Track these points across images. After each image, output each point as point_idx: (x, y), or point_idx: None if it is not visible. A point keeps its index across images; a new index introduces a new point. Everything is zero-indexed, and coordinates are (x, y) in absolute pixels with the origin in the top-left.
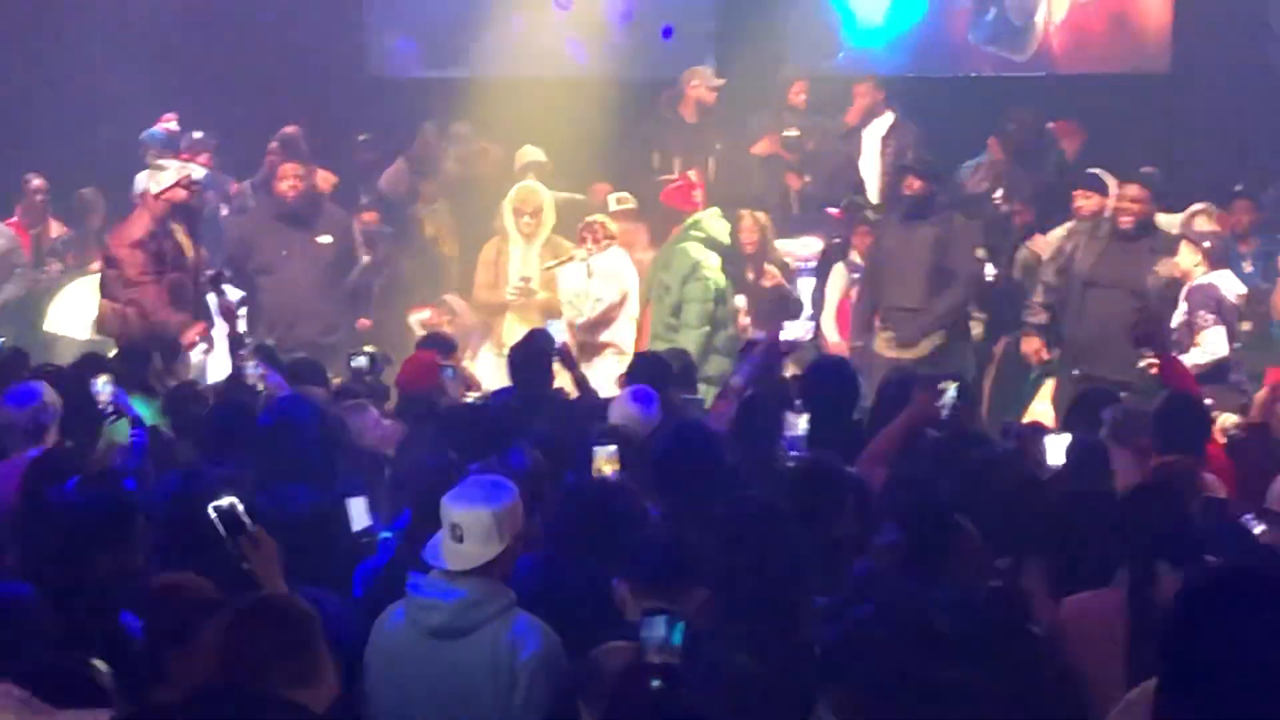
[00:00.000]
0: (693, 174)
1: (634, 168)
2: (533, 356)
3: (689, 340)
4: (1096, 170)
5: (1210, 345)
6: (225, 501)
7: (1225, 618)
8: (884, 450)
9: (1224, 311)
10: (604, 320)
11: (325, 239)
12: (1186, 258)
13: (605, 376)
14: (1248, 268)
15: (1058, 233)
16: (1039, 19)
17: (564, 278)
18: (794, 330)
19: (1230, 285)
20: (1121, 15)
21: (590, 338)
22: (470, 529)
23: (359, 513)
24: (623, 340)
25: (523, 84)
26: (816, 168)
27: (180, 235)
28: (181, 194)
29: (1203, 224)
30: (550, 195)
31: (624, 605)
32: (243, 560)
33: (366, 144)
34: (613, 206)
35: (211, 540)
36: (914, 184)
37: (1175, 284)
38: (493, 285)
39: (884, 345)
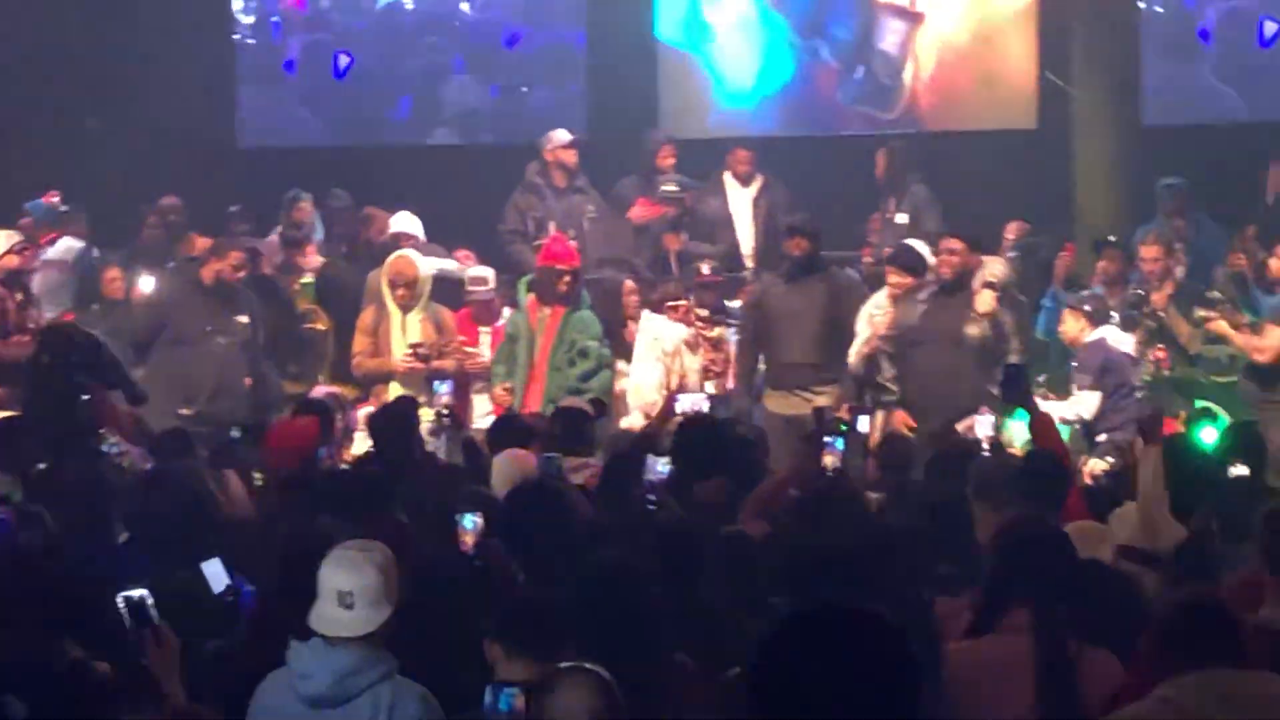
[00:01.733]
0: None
1: (512, 234)
2: (395, 422)
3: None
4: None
5: (1078, 404)
6: (136, 593)
7: (801, 661)
8: (763, 505)
9: (1113, 367)
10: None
11: (244, 318)
12: (1070, 324)
13: None
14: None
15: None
16: (907, 77)
17: (687, 356)
18: (688, 401)
19: (1117, 338)
20: (988, 72)
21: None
22: (361, 595)
23: (215, 574)
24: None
25: (396, 152)
26: (693, 228)
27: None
28: (14, 260)
29: (997, 269)
30: (427, 264)
31: (495, 666)
32: (141, 655)
33: (238, 215)
34: (467, 286)
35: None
36: (801, 244)
37: (995, 330)
38: (373, 353)
39: (777, 403)
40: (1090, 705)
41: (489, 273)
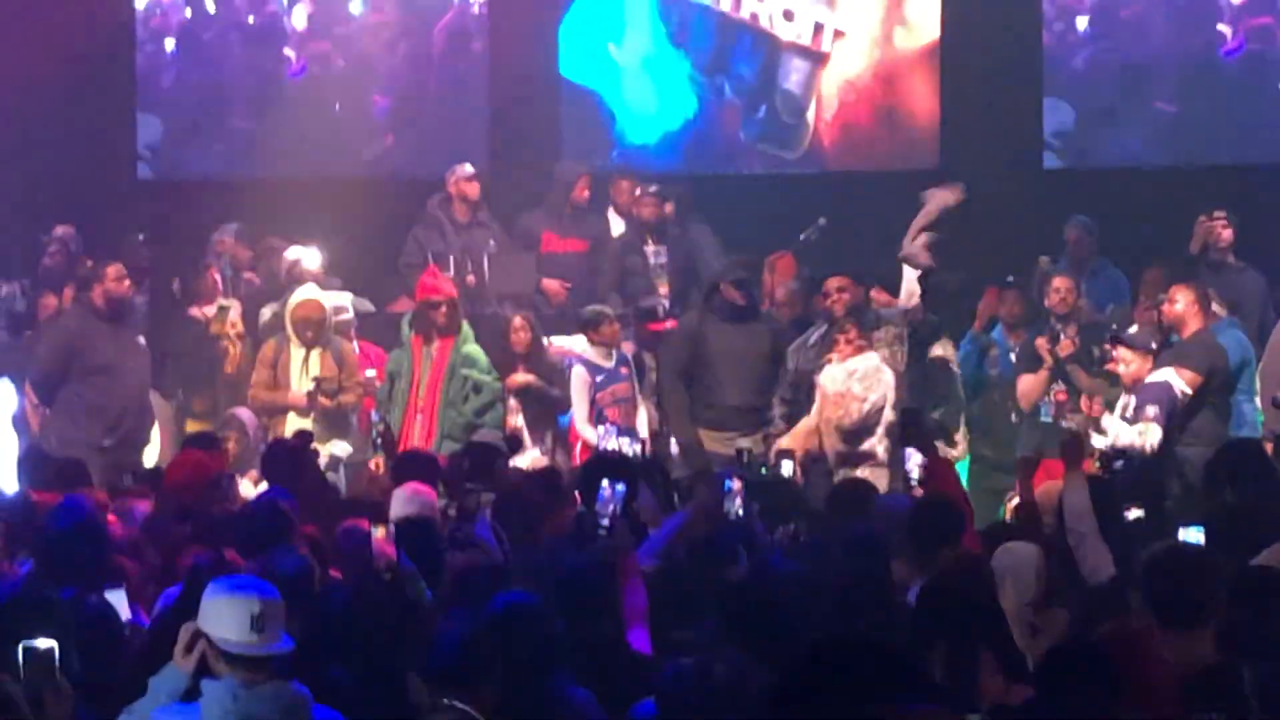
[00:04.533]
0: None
1: (407, 270)
2: (290, 455)
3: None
4: None
5: (1147, 435)
6: (43, 645)
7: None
8: (662, 546)
9: (1171, 410)
10: (866, 426)
11: (141, 339)
12: (1135, 363)
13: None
14: (1015, 359)
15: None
16: (810, 116)
17: (825, 378)
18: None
19: (1178, 383)
20: (890, 112)
21: (849, 447)
22: (271, 617)
23: (121, 603)
24: (881, 452)
25: (295, 184)
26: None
27: None
28: None
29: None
30: (329, 300)
31: (420, 699)
32: (38, 706)
33: (142, 244)
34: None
35: None
36: (731, 293)
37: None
38: (271, 386)
39: (718, 443)
40: None
41: (347, 299)
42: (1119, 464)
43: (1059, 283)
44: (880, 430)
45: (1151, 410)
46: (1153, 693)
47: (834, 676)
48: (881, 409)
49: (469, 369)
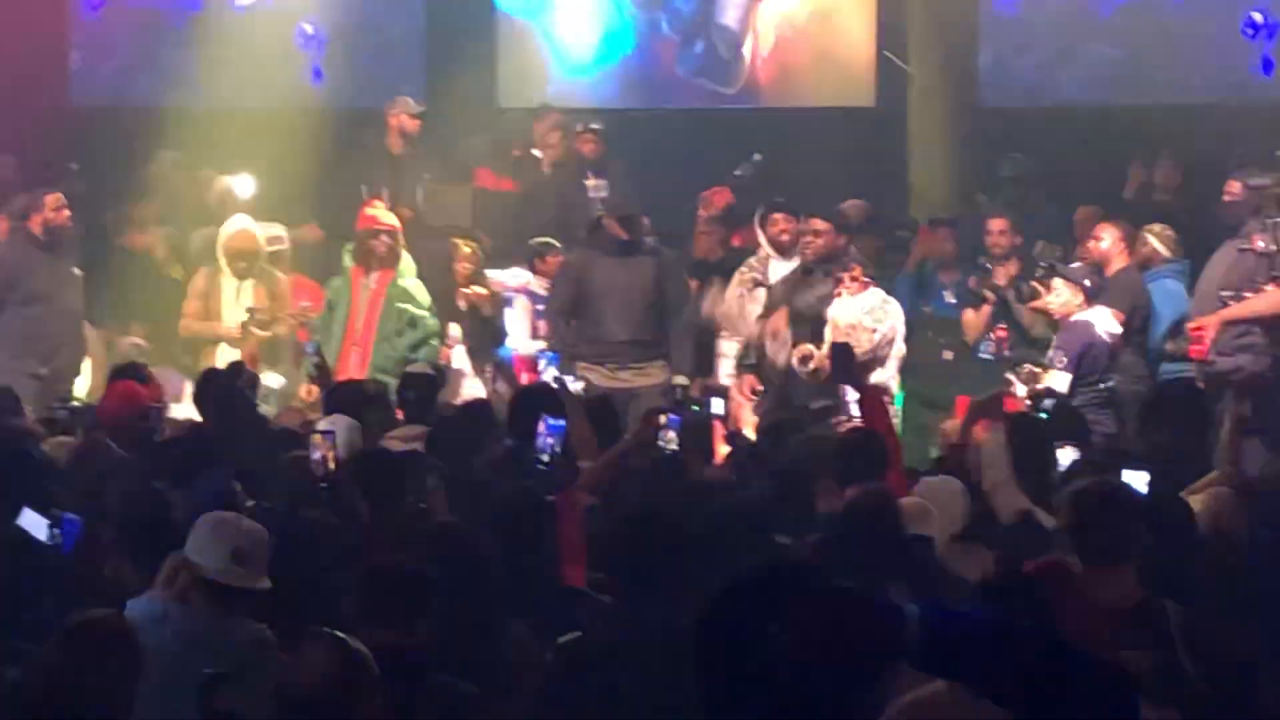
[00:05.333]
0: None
1: (342, 199)
2: (222, 387)
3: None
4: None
5: (1051, 381)
6: None
7: (745, 621)
8: (596, 477)
9: (1092, 353)
10: (877, 358)
11: (76, 270)
12: (1067, 296)
13: None
14: (950, 298)
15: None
16: (746, 52)
17: (837, 311)
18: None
19: (1106, 324)
20: (827, 49)
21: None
22: (254, 554)
23: (34, 523)
24: (893, 385)
25: (229, 114)
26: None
27: None
28: None
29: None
30: (261, 231)
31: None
32: None
33: (78, 173)
34: (275, 248)
35: None
36: (616, 229)
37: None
38: (203, 316)
39: (602, 377)
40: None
41: (282, 230)
42: (1049, 402)
43: (995, 223)
44: (892, 363)
45: (1062, 358)
46: (1081, 628)
47: (749, 602)
48: (892, 340)
49: (406, 303)
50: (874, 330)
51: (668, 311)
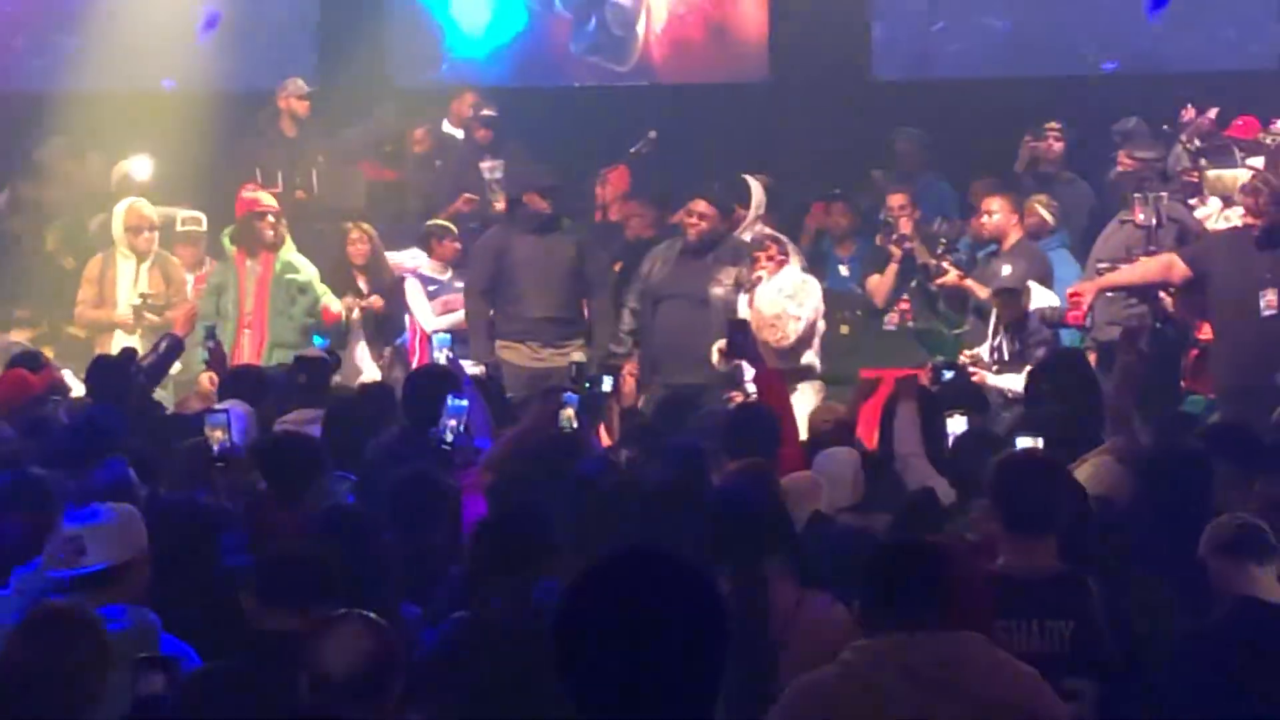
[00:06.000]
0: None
1: (235, 184)
2: (113, 373)
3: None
4: None
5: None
6: None
7: (602, 605)
8: (498, 457)
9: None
10: (807, 339)
11: None
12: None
13: (807, 403)
14: (845, 271)
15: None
16: (639, 29)
17: (761, 299)
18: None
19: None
20: (720, 25)
21: (792, 363)
22: (90, 539)
23: None
24: (815, 362)
25: (121, 97)
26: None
27: None
28: None
29: None
30: (157, 212)
31: (253, 617)
32: None
33: None
34: (179, 227)
35: None
36: (539, 202)
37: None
38: (98, 303)
39: (524, 356)
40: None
41: (201, 215)
42: (948, 374)
43: (894, 198)
44: (816, 342)
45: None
46: (977, 599)
47: (609, 588)
48: (814, 321)
49: (291, 274)
50: (798, 318)
51: (588, 289)
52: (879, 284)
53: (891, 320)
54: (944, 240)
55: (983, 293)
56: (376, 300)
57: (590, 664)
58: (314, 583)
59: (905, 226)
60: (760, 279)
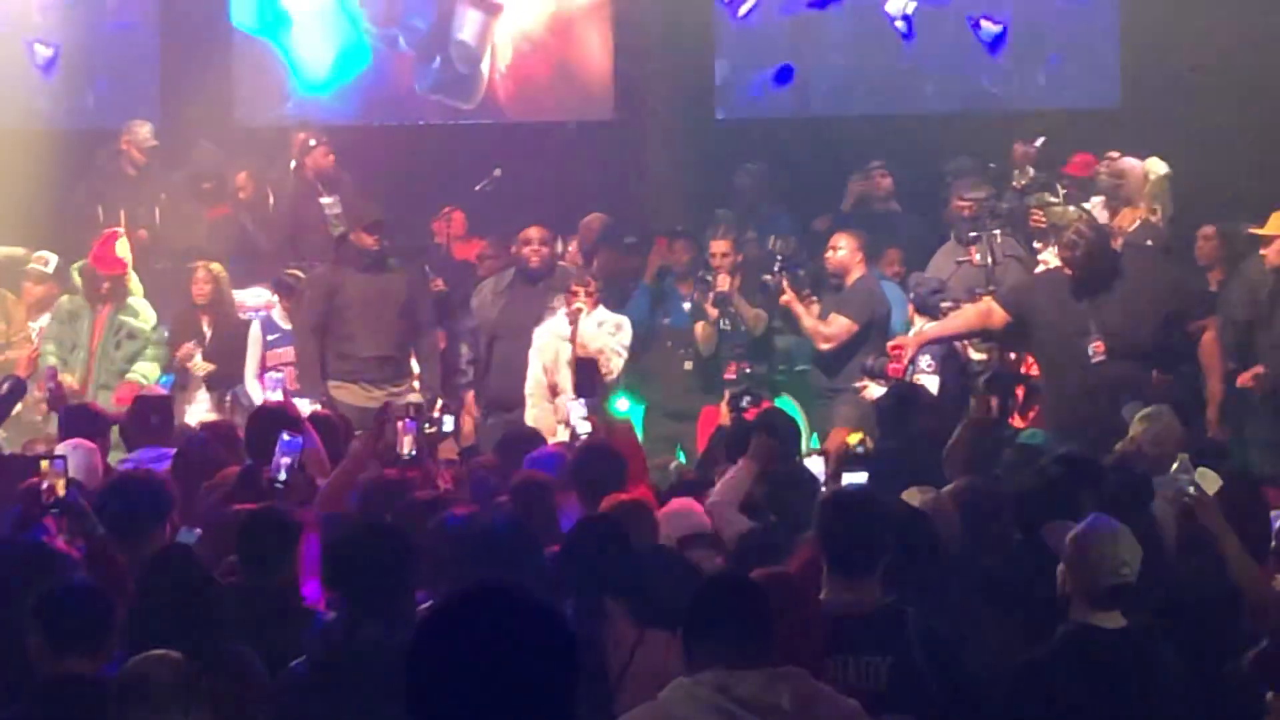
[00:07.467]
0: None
1: (77, 221)
2: None
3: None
4: None
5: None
6: None
7: (451, 641)
8: (334, 489)
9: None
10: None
11: None
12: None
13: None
14: (687, 308)
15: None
16: (485, 67)
17: (587, 335)
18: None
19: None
20: (565, 64)
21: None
22: None
23: None
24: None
25: None
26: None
27: None
28: None
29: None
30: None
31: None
32: None
33: None
34: (36, 267)
35: None
36: (365, 240)
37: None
38: None
39: (357, 396)
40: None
41: (54, 256)
42: (746, 400)
43: (717, 245)
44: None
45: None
46: (803, 634)
47: (460, 624)
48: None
49: (128, 316)
50: (620, 353)
51: (417, 328)
52: (701, 334)
53: (730, 371)
54: (781, 256)
55: (808, 321)
56: (202, 367)
57: (441, 698)
58: (105, 623)
59: (722, 283)
60: (579, 311)
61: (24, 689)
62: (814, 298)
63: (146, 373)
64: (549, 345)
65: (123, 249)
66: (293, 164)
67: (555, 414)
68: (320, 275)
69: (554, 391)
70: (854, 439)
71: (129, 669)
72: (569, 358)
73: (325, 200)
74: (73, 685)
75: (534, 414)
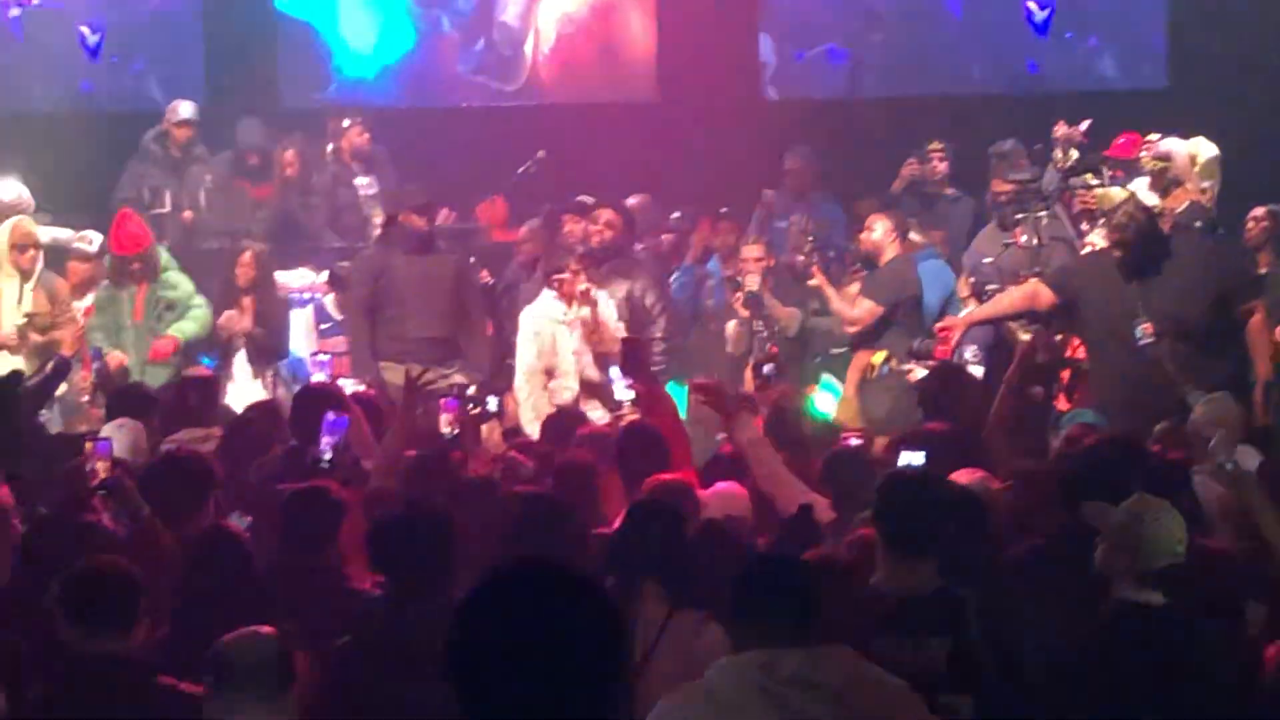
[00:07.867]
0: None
1: (127, 202)
2: None
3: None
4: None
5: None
6: None
7: (495, 618)
8: (383, 469)
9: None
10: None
11: None
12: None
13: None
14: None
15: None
16: (528, 49)
17: (606, 314)
18: None
19: None
20: (608, 45)
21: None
22: None
23: None
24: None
25: (6, 119)
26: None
27: None
28: None
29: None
30: (46, 232)
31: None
32: None
33: None
34: (81, 247)
35: None
36: (415, 220)
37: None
38: None
39: (400, 376)
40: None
41: (98, 235)
42: (767, 368)
43: (749, 249)
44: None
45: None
46: (852, 614)
47: (504, 602)
48: None
49: (165, 291)
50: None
51: (465, 311)
52: (732, 333)
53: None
54: (811, 238)
55: (835, 303)
56: (244, 323)
57: (487, 678)
58: (131, 602)
59: (752, 282)
60: (588, 292)
61: (52, 668)
62: (861, 274)
63: (185, 329)
64: (545, 329)
65: (136, 224)
66: (329, 146)
67: (552, 398)
68: (367, 257)
69: (549, 375)
70: (878, 358)
71: (225, 646)
72: (573, 345)
73: (361, 181)
74: (105, 663)
75: (530, 401)
